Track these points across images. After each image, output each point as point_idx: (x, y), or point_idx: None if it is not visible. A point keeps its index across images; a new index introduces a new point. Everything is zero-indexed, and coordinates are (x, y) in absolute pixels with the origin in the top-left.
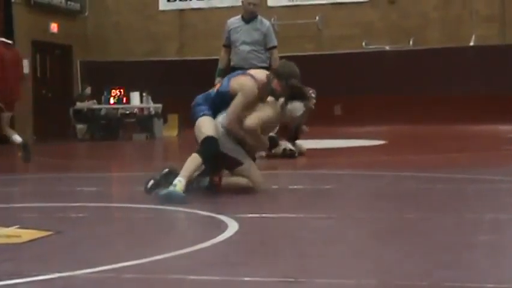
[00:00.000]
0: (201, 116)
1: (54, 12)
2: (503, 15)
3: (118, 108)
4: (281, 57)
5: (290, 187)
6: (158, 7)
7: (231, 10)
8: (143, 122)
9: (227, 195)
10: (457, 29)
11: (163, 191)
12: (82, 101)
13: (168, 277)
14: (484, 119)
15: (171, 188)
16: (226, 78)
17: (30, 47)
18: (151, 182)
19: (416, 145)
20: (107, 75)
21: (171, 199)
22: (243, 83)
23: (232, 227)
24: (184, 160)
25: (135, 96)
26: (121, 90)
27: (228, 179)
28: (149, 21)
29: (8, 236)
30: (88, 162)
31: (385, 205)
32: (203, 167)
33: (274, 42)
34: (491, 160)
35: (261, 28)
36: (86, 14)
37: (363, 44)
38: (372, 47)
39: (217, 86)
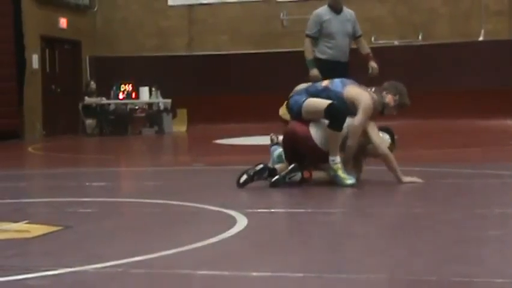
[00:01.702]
0: (304, 101)
1: (64, 7)
2: None
3: (127, 103)
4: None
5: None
6: (167, 2)
7: (239, 5)
8: (152, 117)
9: (236, 190)
10: (466, 24)
11: (336, 179)
12: (90, 95)
13: (177, 272)
14: (493, 114)
15: (333, 173)
16: (338, 81)
17: (39, 42)
18: (244, 176)
19: (424, 140)
20: (116, 70)
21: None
22: (362, 93)
23: (241, 222)
24: (191, 154)
25: (144, 91)
26: (130, 85)
27: (318, 173)
28: (158, 16)
29: (18, 231)
30: (96, 157)
31: (393, 200)
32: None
33: (360, 31)
34: (501, 155)
35: (350, 18)
36: (95, 9)
37: (372, 39)
38: (381, 42)
39: (326, 83)
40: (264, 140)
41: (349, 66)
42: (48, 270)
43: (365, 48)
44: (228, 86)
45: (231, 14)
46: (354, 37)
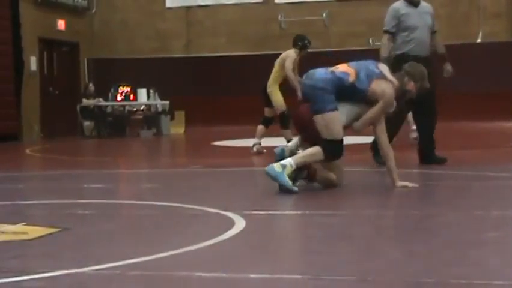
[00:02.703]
0: (331, 110)
1: (62, 9)
2: (510, 12)
3: (125, 105)
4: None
5: (298, 184)
6: (165, 4)
7: (237, 7)
8: (150, 119)
9: (234, 192)
10: (464, 26)
11: (272, 167)
12: (88, 98)
13: (174, 274)
14: (491, 116)
15: (279, 170)
16: (364, 76)
17: (37, 44)
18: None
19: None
20: (114, 72)
21: (278, 183)
22: (386, 90)
23: (239, 224)
24: (189, 156)
25: (142, 93)
26: (128, 87)
27: (321, 172)
28: (156, 18)
29: (15, 233)
30: (94, 159)
31: (392, 202)
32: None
33: (437, 25)
34: (499, 157)
35: (428, 11)
36: (93, 11)
37: (370, 41)
38: (379, 44)
39: (352, 78)
40: (262, 142)
41: (431, 61)
42: (45, 272)
43: (440, 47)
44: (226, 88)
45: (229, 16)
46: (432, 32)
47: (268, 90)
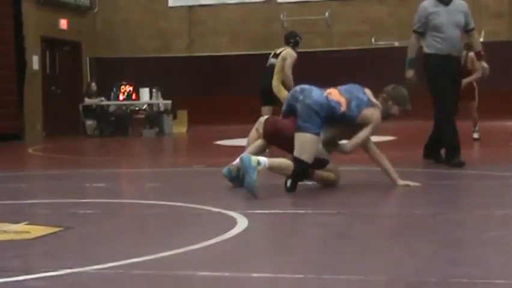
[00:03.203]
0: (315, 134)
1: (64, 8)
2: None
3: (127, 105)
4: None
5: (299, 183)
6: (167, 3)
7: (239, 6)
8: (153, 118)
9: (237, 191)
10: None
11: (249, 157)
12: (90, 97)
13: (177, 273)
14: (493, 115)
15: (254, 164)
16: (354, 106)
17: (39, 43)
18: (289, 181)
19: (424, 141)
20: (116, 71)
21: (245, 176)
22: (374, 115)
23: (242, 223)
24: (194, 155)
25: (144, 93)
26: (131, 87)
27: (319, 171)
28: (159, 18)
29: (18, 232)
30: (97, 159)
31: (394, 201)
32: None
33: (473, 23)
34: (500, 156)
35: (461, 9)
36: (96, 10)
37: (373, 40)
38: (382, 43)
39: (344, 108)
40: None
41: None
42: (48, 272)
43: (477, 44)
44: (228, 87)
45: (231, 15)
46: (466, 30)
47: (274, 89)
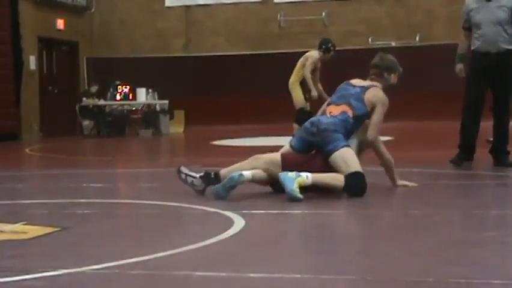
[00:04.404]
0: (346, 147)
1: (61, 8)
2: None
3: (124, 105)
4: (287, 53)
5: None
6: (164, 3)
7: (236, 6)
8: (150, 118)
9: (234, 191)
10: None
11: (286, 173)
12: (88, 97)
13: (174, 273)
14: (491, 115)
15: (292, 176)
16: (355, 102)
17: (36, 43)
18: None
19: (422, 141)
20: (113, 71)
21: (285, 187)
22: (377, 94)
23: (239, 223)
24: (191, 155)
25: (141, 93)
26: (127, 87)
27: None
28: (156, 18)
29: (15, 232)
30: (94, 159)
31: (391, 201)
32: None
33: None
34: None
35: (506, 4)
36: (93, 10)
37: (369, 40)
38: (379, 43)
39: (350, 112)
40: (261, 141)
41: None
42: (45, 272)
43: None
44: (225, 87)
45: (228, 15)
46: None
47: (290, 87)
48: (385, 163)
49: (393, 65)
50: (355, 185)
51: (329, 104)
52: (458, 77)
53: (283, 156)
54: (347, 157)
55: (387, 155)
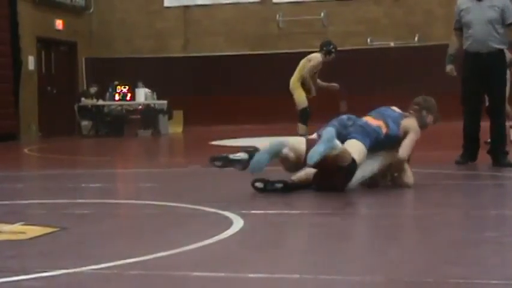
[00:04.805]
0: (363, 143)
1: (60, 9)
2: None
3: (122, 105)
4: (285, 53)
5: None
6: (163, 4)
7: (235, 6)
8: (148, 118)
9: (232, 191)
10: None
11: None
12: (86, 97)
13: (173, 273)
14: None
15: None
16: (392, 123)
17: (35, 43)
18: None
19: (422, 141)
20: (112, 71)
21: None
22: (413, 123)
23: (238, 223)
24: (190, 155)
25: (140, 93)
26: (126, 87)
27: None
28: (154, 18)
29: (13, 233)
30: (92, 159)
31: (390, 201)
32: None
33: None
34: None
35: (497, 4)
36: (91, 10)
37: (368, 40)
38: (377, 44)
39: (385, 129)
40: (260, 142)
41: (498, 56)
42: (43, 272)
43: None
44: (224, 88)
45: (227, 15)
46: (505, 23)
47: (291, 87)
48: (403, 186)
49: (433, 107)
50: (352, 170)
51: (365, 116)
52: (455, 77)
53: (309, 140)
54: (355, 146)
55: (410, 179)
